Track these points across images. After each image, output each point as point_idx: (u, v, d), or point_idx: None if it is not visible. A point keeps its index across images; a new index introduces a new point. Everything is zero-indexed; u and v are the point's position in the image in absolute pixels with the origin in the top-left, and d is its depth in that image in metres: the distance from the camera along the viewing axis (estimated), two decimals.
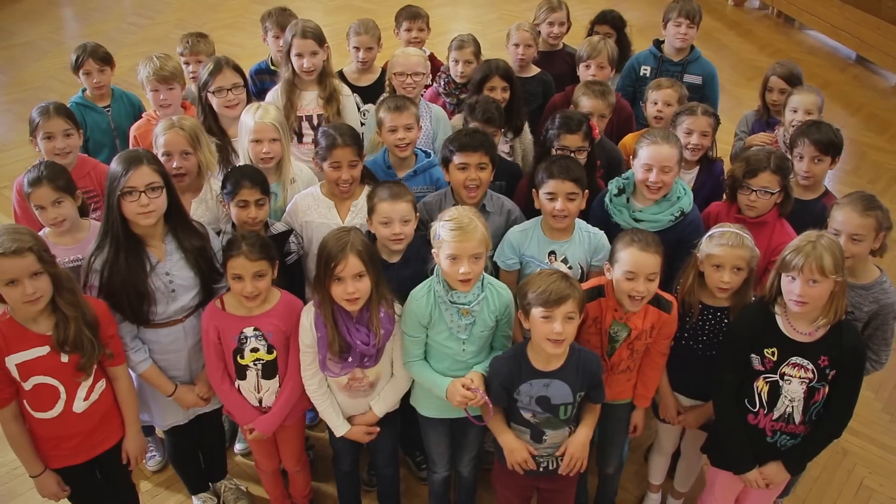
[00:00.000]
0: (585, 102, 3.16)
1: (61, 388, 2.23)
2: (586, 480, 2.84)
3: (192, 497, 3.03)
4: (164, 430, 2.79)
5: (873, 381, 3.73)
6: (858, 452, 3.32)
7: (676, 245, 2.63)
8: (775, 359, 2.27)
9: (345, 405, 2.55)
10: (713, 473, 2.60)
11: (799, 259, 2.12)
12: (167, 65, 3.21)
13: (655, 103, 3.30)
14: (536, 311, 2.18)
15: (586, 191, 2.59)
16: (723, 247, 2.33)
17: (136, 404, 2.48)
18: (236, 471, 3.20)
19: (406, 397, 2.64)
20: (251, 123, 2.82)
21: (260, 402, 2.55)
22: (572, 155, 2.78)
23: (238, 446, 3.31)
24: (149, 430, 3.19)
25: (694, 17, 3.76)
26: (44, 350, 2.17)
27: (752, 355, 2.31)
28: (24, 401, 2.23)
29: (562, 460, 2.37)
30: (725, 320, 2.46)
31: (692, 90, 3.66)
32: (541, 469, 2.40)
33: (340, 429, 2.55)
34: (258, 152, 2.82)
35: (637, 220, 2.69)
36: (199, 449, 2.95)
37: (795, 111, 3.22)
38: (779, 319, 2.27)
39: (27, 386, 2.19)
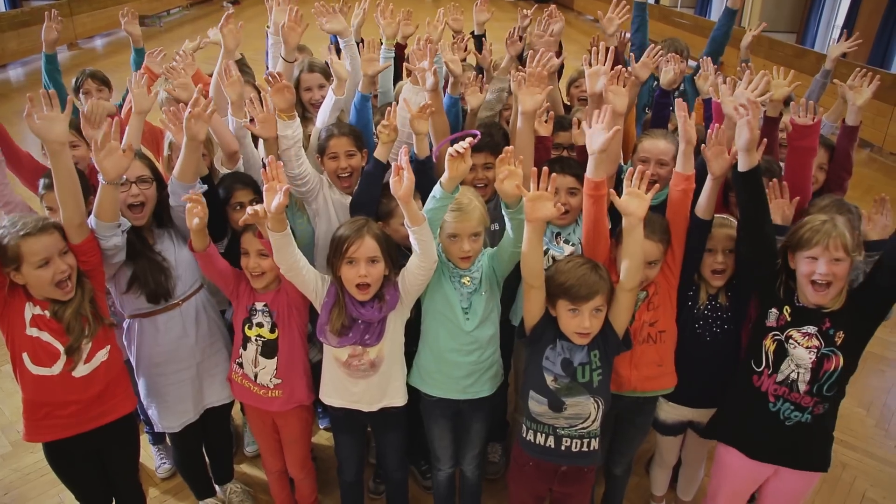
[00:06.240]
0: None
1: (61, 349, 2.01)
2: (593, 490, 2.58)
3: (199, 503, 2.78)
4: (170, 434, 2.54)
5: (864, 399, 3.54)
6: (857, 465, 3.09)
7: None
8: (789, 319, 2.06)
9: (344, 384, 2.27)
10: (715, 484, 2.35)
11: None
12: None
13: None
14: (563, 304, 2.03)
15: None
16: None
17: None
18: (244, 479, 2.95)
19: (415, 403, 2.40)
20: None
21: (255, 376, 2.33)
22: (565, 152, 2.67)
23: (248, 449, 3.09)
24: (159, 438, 3.01)
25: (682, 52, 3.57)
26: (47, 312, 2.01)
27: (772, 309, 2.09)
28: (25, 354, 2.00)
29: (584, 445, 2.12)
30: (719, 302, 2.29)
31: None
32: (563, 448, 2.13)
33: None
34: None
35: None
36: (206, 452, 2.73)
37: None
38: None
39: (30, 333, 1.99)
